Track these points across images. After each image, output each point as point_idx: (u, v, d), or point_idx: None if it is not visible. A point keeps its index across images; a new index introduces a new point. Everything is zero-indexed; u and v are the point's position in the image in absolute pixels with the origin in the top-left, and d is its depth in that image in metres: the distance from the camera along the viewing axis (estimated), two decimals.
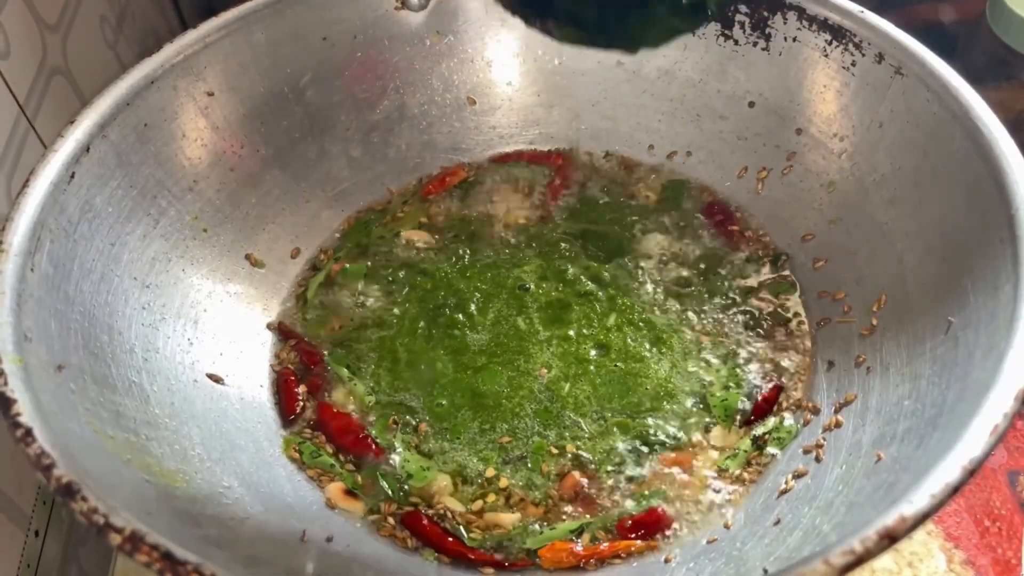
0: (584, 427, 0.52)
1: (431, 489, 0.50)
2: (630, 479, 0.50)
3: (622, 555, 0.47)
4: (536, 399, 0.53)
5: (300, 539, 0.46)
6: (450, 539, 0.48)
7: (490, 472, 0.51)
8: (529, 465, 0.51)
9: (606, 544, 0.47)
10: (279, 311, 0.59)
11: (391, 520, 0.49)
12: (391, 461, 0.52)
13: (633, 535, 0.48)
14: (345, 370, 0.56)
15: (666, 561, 0.47)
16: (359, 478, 0.51)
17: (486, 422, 0.53)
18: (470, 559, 0.48)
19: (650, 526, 0.48)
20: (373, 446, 0.52)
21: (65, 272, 0.46)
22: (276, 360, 0.57)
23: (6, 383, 0.38)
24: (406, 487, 0.51)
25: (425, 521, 0.49)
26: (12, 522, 0.51)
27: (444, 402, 0.54)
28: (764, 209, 0.60)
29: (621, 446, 0.51)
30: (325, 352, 0.57)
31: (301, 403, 0.54)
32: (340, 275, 0.60)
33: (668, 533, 0.48)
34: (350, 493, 0.50)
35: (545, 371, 0.54)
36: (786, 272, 0.58)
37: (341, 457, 0.52)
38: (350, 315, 0.59)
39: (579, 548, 0.47)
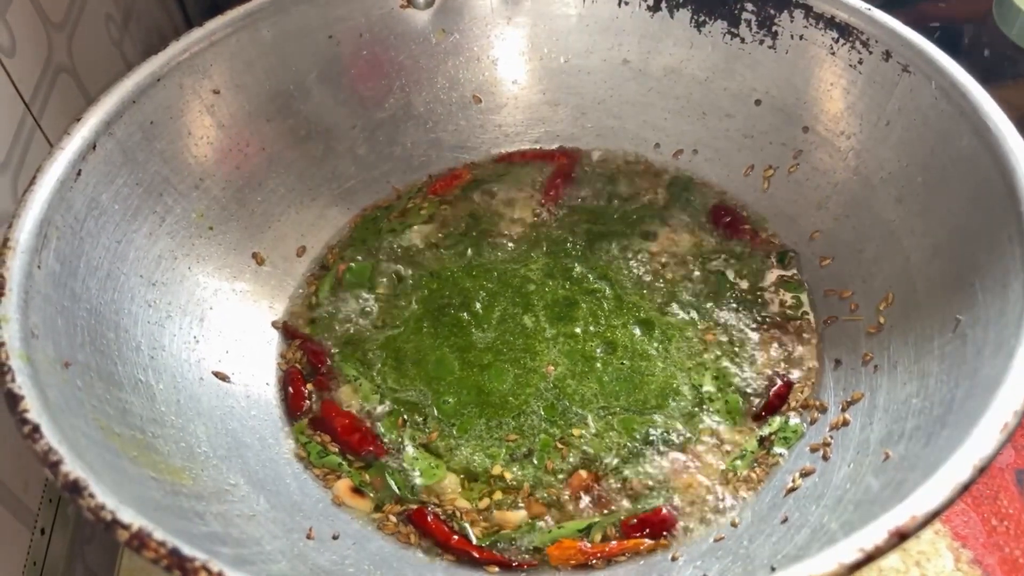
0: (591, 423, 0.52)
1: (439, 487, 0.50)
2: (637, 477, 0.50)
3: (629, 553, 0.47)
4: (543, 396, 0.53)
5: (306, 536, 0.46)
6: (455, 537, 0.48)
7: (497, 469, 0.51)
8: (535, 462, 0.51)
9: (614, 542, 0.47)
10: (285, 309, 0.59)
11: (393, 517, 0.49)
12: (398, 459, 0.52)
13: (639, 533, 0.48)
14: (352, 369, 0.56)
15: (673, 559, 0.46)
16: (367, 476, 0.51)
17: (493, 419, 0.53)
18: (475, 558, 0.48)
19: (656, 525, 0.48)
20: (378, 444, 0.52)
21: (72, 269, 0.46)
22: (282, 359, 0.57)
23: (13, 380, 0.38)
24: (414, 485, 0.50)
25: (430, 519, 0.49)
26: (18, 520, 0.51)
27: (451, 400, 0.54)
28: (770, 207, 0.60)
29: (628, 444, 0.51)
30: (332, 351, 0.57)
31: (308, 402, 0.54)
32: (346, 274, 0.60)
33: (675, 531, 0.48)
34: (357, 491, 0.50)
35: (552, 368, 0.54)
36: (793, 271, 0.58)
37: (348, 456, 0.52)
38: (356, 314, 0.59)
39: (587, 546, 0.47)
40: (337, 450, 0.52)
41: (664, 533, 0.48)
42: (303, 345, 0.57)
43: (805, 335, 0.55)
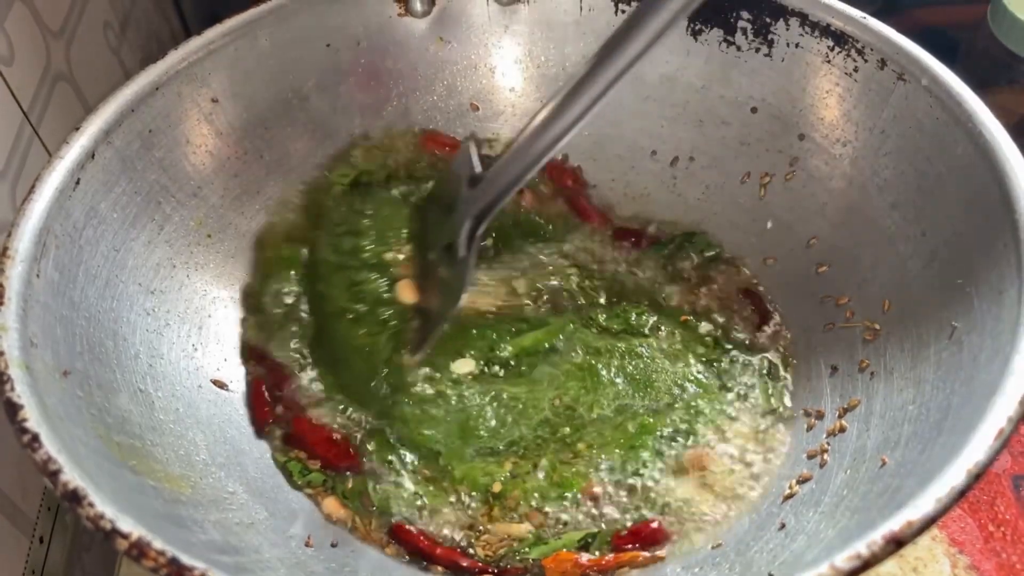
0: (596, 432, 0.52)
1: (440, 506, 0.50)
2: (639, 483, 0.50)
3: (625, 566, 0.47)
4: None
5: (305, 544, 0.47)
6: (438, 549, 0.48)
7: (497, 487, 0.50)
8: (540, 476, 0.50)
9: (611, 556, 0.47)
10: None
11: (375, 531, 0.49)
12: (385, 476, 0.51)
13: (630, 546, 0.48)
14: (319, 385, 0.54)
15: (670, 557, 0.46)
16: (349, 487, 0.50)
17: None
18: (465, 567, 0.47)
19: (645, 537, 0.48)
20: (358, 458, 0.51)
21: (70, 278, 0.46)
22: (246, 370, 0.55)
23: (13, 388, 0.38)
24: (401, 500, 0.50)
25: (414, 531, 0.48)
26: (17, 528, 0.51)
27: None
28: (767, 214, 0.60)
29: (629, 453, 0.51)
30: (295, 369, 0.55)
31: (274, 413, 0.53)
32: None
33: (667, 543, 0.48)
34: (344, 505, 0.50)
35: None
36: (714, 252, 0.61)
37: (329, 471, 0.51)
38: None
39: (584, 559, 0.47)
40: (319, 466, 0.51)
41: (655, 545, 0.47)
42: (264, 363, 0.55)
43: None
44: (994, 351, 0.40)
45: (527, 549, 0.48)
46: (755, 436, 0.52)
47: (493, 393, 0.53)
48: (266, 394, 0.53)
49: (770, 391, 0.54)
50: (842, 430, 0.49)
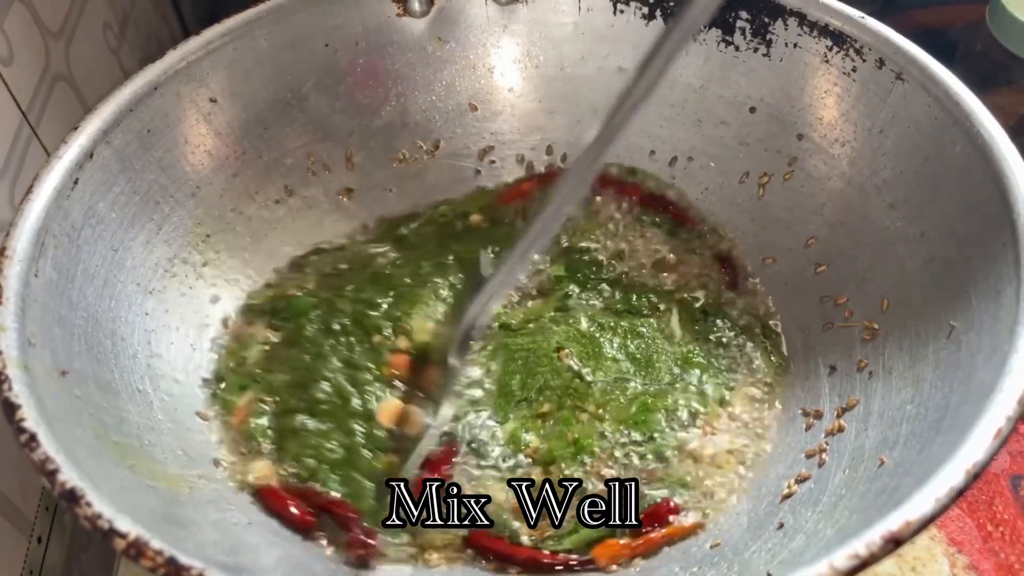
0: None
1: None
2: (643, 469, 0.50)
3: (668, 541, 0.47)
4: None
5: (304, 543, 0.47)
6: (523, 552, 0.47)
7: (535, 443, 0.50)
8: (558, 432, 0.51)
9: (657, 532, 0.47)
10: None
11: (436, 553, 0.48)
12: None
13: (647, 529, 0.48)
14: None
15: (669, 547, 0.47)
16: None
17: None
18: (543, 564, 0.47)
19: (662, 518, 0.48)
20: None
21: (69, 278, 0.46)
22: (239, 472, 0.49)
23: (11, 388, 0.38)
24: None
25: (495, 537, 0.47)
26: (15, 528, 0.51)
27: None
28: (766, 214, 0.60)
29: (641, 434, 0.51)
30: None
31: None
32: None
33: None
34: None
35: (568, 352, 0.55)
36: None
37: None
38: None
39: (628, 542, 0.47)
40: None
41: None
42: (317, 504, 0.48)
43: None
44: (992, 350, 0.40)
45: (562, 538, 0.48)
46: (753, 405, 0.53)
47: (502, 353, 0.55)
48: (287, 495, 0.48)
49: (768, 347, 0.56)
50: (840, 430, 0.49)
